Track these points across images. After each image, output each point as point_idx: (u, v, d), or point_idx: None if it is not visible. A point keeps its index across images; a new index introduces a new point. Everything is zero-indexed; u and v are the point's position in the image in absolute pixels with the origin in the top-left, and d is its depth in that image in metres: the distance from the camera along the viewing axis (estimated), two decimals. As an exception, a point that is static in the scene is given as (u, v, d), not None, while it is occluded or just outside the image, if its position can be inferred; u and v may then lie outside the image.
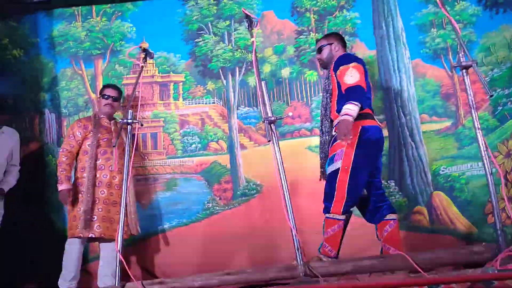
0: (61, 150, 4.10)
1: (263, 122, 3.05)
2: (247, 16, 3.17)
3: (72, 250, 3.94)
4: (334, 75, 3.60)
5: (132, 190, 4.17)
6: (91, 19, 4.98)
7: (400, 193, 4.51)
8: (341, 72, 3.50)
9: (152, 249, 4.56)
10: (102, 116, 4.22)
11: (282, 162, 3.10)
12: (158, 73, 4.90)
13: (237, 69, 4.86)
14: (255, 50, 3.05)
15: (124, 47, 4.89)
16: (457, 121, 4.54)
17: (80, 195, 3.99)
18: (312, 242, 3.58)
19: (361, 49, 4.74)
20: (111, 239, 3.93)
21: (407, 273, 3.05)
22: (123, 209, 2.91)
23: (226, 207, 4.64)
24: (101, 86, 4.48)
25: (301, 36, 4.84)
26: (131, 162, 3.22)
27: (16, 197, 4.32)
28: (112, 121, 4.24)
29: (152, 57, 3.30)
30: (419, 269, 2.84)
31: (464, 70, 2.90)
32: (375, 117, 3.58)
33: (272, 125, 3.03)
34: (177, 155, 4.77)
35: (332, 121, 3.64)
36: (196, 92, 4.87)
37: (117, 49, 4.90)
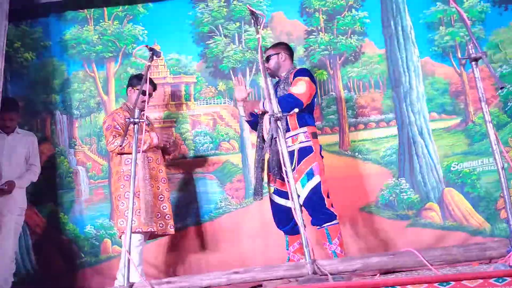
0: (116, 142, 3.78)
1: (269, 119, 3.00)
2: (252, 13, 3.17)
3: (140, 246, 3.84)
4: None
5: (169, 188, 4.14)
6: (103, 23, 5.04)
7: (412, 189, 4.51)
8: (295, 81, 3.67)
9: (166, 248, 4.60)
10: (136, 109, 4.11)
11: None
12: (170, 74, 4.95)
13: (247, 69, 4.89)
14: (260, 46, 3.05)
15: (136, 50, 4.96)
16: (466, 118, 4.54)
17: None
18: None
19: (370, 48, 4.76)
20: (163, 234, 4.01)
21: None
22: (131, 204, 2.89)
23: (239, 206, 4.67)
24: (114, 88, 4.46)
25: (310, 36, 4.86)
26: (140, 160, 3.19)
27: (28, 198, 4.38)
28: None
29: (159, 56, 3.28)
30: (430, 266, 2.82)
31: (473, 63, 2.86)
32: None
33: (278, 122, 3.02)
34: (189, 155, 4.81)
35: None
36: (207, 93, 4.91)
37: (129, 52, 4.95)
